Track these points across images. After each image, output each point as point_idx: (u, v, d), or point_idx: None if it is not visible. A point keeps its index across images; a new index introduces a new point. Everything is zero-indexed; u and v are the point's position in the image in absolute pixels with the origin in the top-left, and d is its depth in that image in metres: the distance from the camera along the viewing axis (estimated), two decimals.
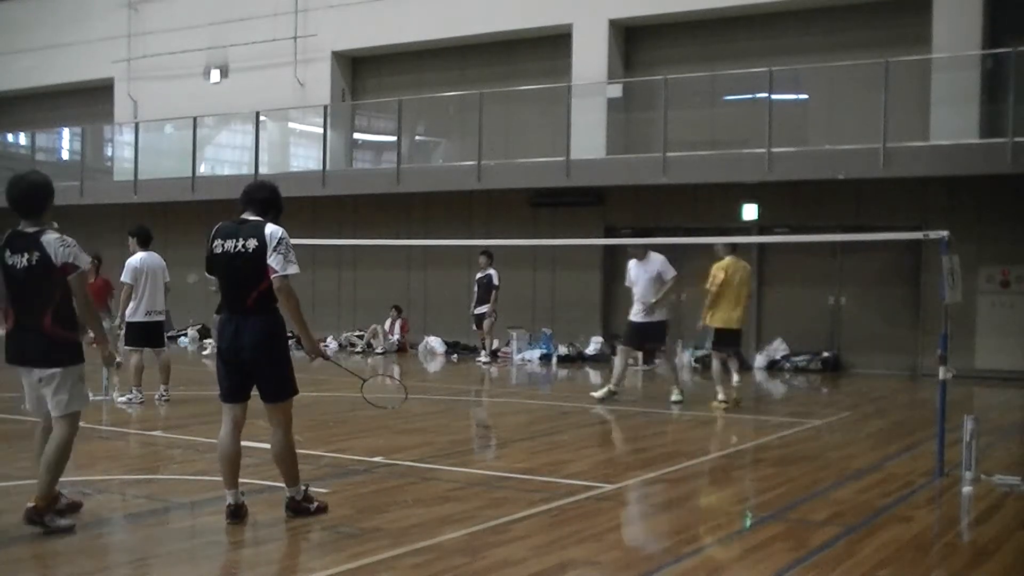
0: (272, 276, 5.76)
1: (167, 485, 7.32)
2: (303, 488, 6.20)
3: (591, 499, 6.94)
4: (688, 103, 18.51)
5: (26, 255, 5.57)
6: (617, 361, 12.47)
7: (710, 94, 18.84)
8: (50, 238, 5.60)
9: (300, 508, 6.16)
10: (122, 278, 11.54)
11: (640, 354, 15.03)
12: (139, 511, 6.57)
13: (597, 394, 12.28)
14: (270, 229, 5.85)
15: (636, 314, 12.01)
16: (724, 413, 11.57)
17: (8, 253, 5.62)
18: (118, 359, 6.83)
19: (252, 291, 5.83)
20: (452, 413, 12.10)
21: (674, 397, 12.14)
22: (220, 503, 6.72)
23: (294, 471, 6.13)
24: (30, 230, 5.64)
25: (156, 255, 11.74)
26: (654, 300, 11.82)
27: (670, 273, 11.92)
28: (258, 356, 5.90)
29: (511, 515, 6.38)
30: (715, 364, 12.08)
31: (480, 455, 9.29)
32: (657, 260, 11.91)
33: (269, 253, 5.77)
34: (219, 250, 5.91)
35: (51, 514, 5.67)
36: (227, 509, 6.01)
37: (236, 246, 5.85)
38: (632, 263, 12.06)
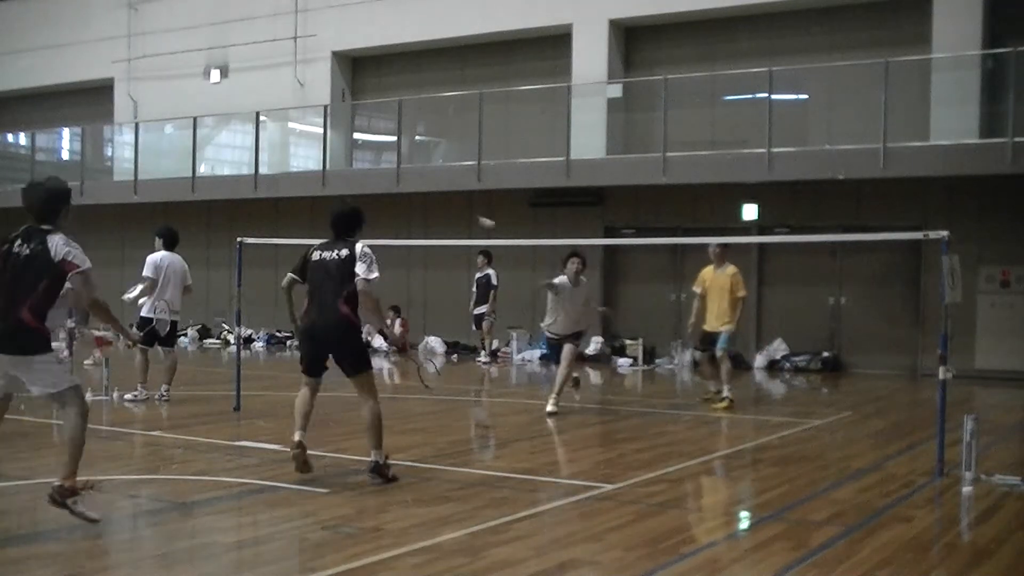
0: (356, 280, 7.10)
1: (167, 485, 7.32)
2: (385, 455, 7.25)
3: (591, 499, 6.94)
4: (688, 103, 18.49)
5: (29, 246, 5.76)
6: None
7: (710, 94, 18.82)
8: (56, 236, 5.81)
9: (381, 471, 7.19)
10: (144, 272, 11.58)
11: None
12: (139, 511, 6.57)
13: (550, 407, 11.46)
14: (359, 245, 7.24)
15: (563, 328, 11.55)
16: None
17: (18, 243, 5.81)
18: (134, 340, 7.36)
19: (339, 290, 7.11)
20: (452, 413, 12.10)
21: (550, 408, 11.30)
22: (220, 503, 6.75)
23: (379, 438, 7.23)
24: (44, 227, 5.85)
25: (179, 257, 11.83)
26: (584, 324, 11.79)
27: (592, 300, 12.40)
28: (339, 341, 7.19)
29: (511, 515, 6.37)
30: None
31: (480, 455, 9.28)
32: (586, 286, 11.71)
33: (356, 263, 7.12)
34: (316, 257, 7.30)
35: (75, 498, 5.70)
36: (292, 443, 7.18)
37: (331, 255, 7.24)
38: (566, 285, 11.38)
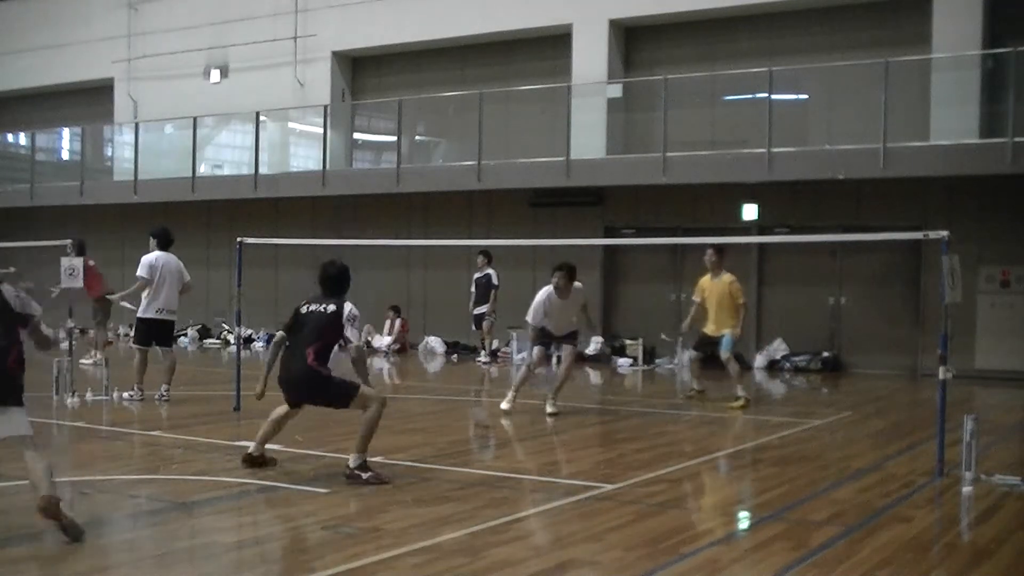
0: (349, 346, 7.54)
1: (167, 485, 7.32)
2: (363, 460, 7.25)
3: (591, 499, 6.94)
4: (688, 103, 18.49)
5: None
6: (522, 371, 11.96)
7: (710, 94, 18.83)
8: (7, 288, 5.84)
9: (352, 475, 7.18)
10: (138, 273, 11.59)
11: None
12: (139, 511, 6.57)
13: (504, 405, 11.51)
14: (348, 307, 7.54)
15: (556, 330, 11.53)
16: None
17: None
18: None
19: (311, 341, 7.35)
20: (452, 413, 12.10)
21: (550, 409, 11.25)
22: (220, 503, 6.75)
23: (366, 442, 7.28)
24: None
25: (174, 256, 11.83)
26: (577, 324, 11.60)
27: (589, 307, 12.10)
28: (309, 392, 7.44)
29: (511, 515, 6.38)
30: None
31: (480, 455, 9.28)
32: (581, 292, 11.54)
33: (345, 326, 7.45)
34: (305, 311, 7.57)
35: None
36: (244, 454, 7.62)
37: (318, 308, 7.53)
38: (552, 298, 11.23)
